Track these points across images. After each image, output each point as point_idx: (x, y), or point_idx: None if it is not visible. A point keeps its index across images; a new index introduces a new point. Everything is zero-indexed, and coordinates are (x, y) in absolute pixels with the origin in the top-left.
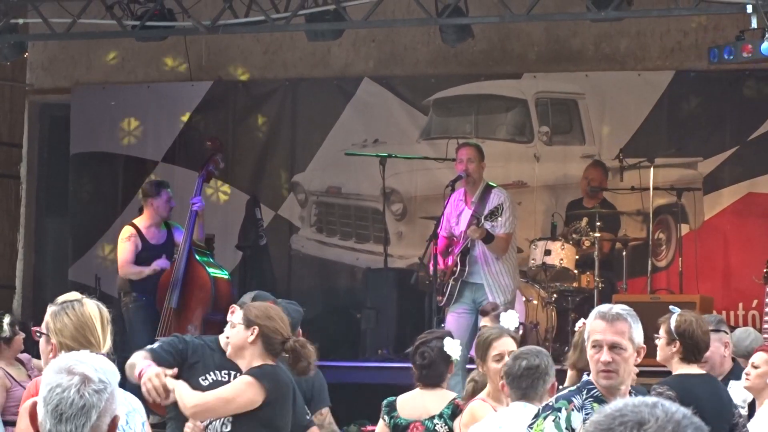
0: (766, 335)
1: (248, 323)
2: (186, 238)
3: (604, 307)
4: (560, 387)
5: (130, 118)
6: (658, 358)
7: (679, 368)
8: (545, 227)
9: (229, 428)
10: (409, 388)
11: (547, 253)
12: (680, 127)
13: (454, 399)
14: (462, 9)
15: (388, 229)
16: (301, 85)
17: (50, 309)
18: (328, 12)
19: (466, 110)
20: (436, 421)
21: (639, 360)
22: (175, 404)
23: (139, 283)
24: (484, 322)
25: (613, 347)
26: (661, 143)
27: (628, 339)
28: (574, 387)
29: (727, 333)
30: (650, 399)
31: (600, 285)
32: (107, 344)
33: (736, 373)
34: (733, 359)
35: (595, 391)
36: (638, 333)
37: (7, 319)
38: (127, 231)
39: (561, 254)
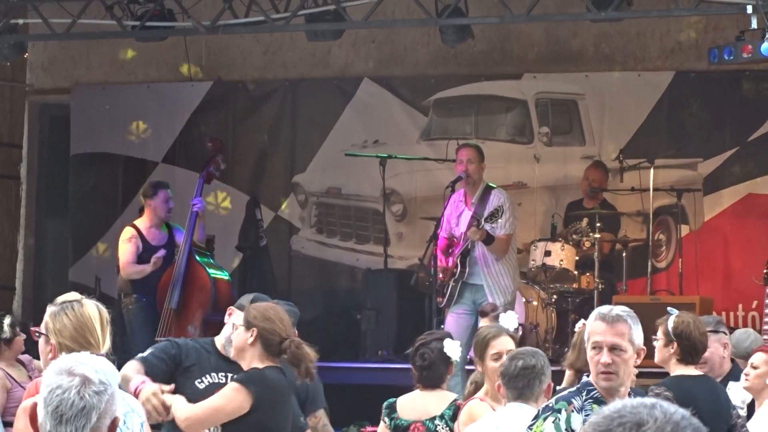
0: (765, 336)
1: (248, 325)
2: (186, 239)
3: (604, 309)
4: (557, 387)
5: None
6: (656, 360)
7: (677, 369)
8: (545, 228)
9: None
10: (409, 389)
11: (547, 254)
12: (680, 127)
13: (455, 400)
14: (462, 9)
15: (388, 230)
16: (301, 85)
17: (49, 309)
18: (328, 12)
19: (466, 111)
20: (437, 422)
21: (639, 361)
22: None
23: (139, 284)
24: (483, 323)
25: (613, 349)
26: (661, 144)
27: (628, 340)
28: (574, 388)
29: (726, 334)
30: (649, 400)
31: (600, 286)
32: (107, 345)
33: (735, 374)
34: (733, 360)
35: (594, 392)
36: (638, 334)
37: (7, 320)
38: (127, 232)
39: (561, 255)
